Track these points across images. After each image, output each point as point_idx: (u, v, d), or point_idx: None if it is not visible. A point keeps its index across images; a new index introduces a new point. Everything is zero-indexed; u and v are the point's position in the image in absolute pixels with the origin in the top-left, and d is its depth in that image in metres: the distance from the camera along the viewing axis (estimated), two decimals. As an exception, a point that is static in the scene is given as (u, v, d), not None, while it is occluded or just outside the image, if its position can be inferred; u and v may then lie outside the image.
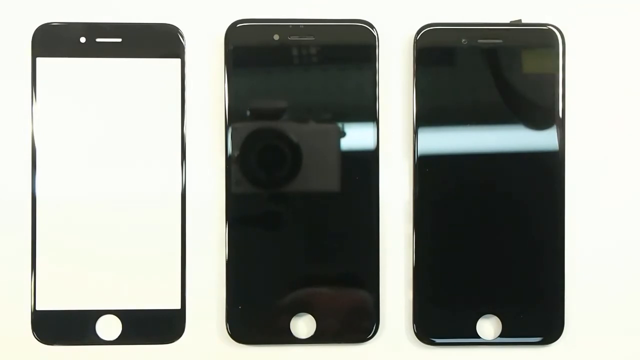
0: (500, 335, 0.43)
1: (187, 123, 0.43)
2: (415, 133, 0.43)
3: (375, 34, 0.43)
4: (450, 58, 0.43)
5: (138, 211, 0.42)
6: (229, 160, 0.42)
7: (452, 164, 0.43)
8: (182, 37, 0.43)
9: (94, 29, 0.43)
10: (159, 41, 0.43)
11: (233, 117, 0.42)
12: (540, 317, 0.43)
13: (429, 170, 0.43)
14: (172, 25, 0.43)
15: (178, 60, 0.43)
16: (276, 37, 0.42)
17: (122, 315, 0.42)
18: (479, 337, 0.43)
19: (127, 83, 0.43)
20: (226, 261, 0.42)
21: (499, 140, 0.43)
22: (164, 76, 0.43)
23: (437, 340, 0.43)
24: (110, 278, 0.42)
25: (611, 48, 0.44)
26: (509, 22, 0.43)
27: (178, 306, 0.43)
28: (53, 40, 0.42)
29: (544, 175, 0.43)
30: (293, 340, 0.43)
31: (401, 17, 0.44)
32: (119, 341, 0.43)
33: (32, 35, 0.42)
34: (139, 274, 0.42)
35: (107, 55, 0.43)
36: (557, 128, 0.43)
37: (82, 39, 0.43)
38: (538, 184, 0.43)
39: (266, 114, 0.42)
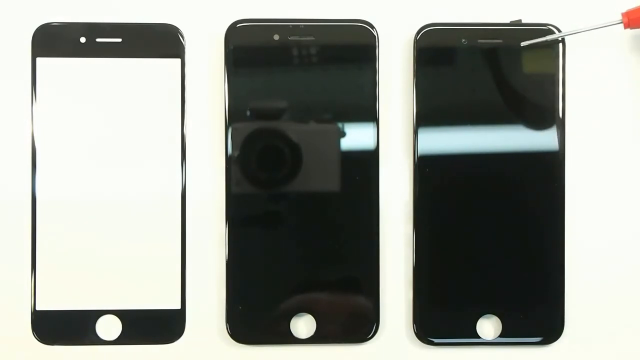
0: (500, 335, 0.43)
1: (187, 123, 0.43)
2: (415, 133, 0.43)
3: (375, 34, 0.43)
4: (450, 58, 0.43)
5: (138, 211, 0.42)
6: (229, 160, 0.42)
7: (452, 164, 0.43)
8: (182, 37, 0.43)
9: (94, 29, 0.43)
10: (159, 41, 0.43)
11: (233, 117, 0.42)
12: (540, 317, 0.43)
13: (429, 170, 0.43)
14: (172, 25, 0.43)
15: (178, 60, 0.43)
16: (276, 37, 0.42)
17: (122, 315, 0.42)
18: (479, 337, 0.43)
19: (127, 83, 0.43)
20: (226, 261, 0.42)
21: (499, 140, 0.43)
22: (164, 76, 0.43)
23: (437, 341, 0.43)
24: (110, 278, 0.42)
25: (611, 48, 0.44)
26: (509, 22, 0.43)
27: (178, 306, 0.43)
28: (53, 40, 0.42)
29: (544, 175, 0.43)
30: (293, 340, 0.43)
31: (401, 17, 0.44)
32: (119, 341, 0.43)
33: (32, 35, 0.42)
34: (139, 274, 0.42)
35: (107, 55, 0.43)
36: (557, 128, 0.43)
37: (82, 39, 0.43)
38: (538, 184, 0.43)
39: (266, 114, 0.42)
